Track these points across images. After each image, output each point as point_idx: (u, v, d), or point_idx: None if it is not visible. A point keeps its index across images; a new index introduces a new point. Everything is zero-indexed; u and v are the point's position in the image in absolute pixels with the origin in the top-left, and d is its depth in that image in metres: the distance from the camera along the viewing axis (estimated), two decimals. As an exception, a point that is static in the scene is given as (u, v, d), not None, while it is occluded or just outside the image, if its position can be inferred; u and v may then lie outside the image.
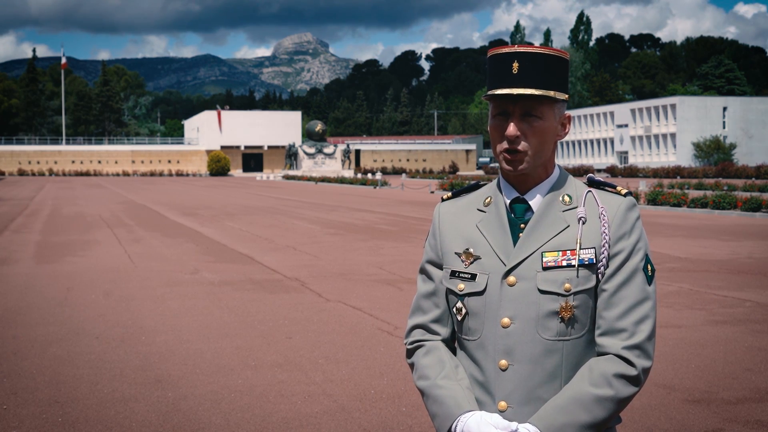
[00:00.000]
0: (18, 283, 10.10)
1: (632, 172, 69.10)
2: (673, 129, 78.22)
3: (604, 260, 1.74)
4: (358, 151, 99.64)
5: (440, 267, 1.88)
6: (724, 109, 79.51)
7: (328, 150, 78.29)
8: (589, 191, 1.81)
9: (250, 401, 5.04)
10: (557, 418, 1.66)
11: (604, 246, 1.74)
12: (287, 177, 70.43)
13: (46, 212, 25.08)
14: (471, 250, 1.81)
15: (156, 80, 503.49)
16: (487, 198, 1.86)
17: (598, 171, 79.37)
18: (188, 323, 7.50)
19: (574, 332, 1.74)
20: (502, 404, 1.73)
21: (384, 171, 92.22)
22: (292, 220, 21.06)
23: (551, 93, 1.73)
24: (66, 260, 12.53)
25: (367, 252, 13.38)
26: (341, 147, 79.90)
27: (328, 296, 8.98)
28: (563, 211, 1.78)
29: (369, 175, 62.74)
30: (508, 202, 1.81)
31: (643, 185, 35.22)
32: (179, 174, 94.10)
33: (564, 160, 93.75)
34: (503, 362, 1.74)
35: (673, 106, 78.80)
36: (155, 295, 9.16)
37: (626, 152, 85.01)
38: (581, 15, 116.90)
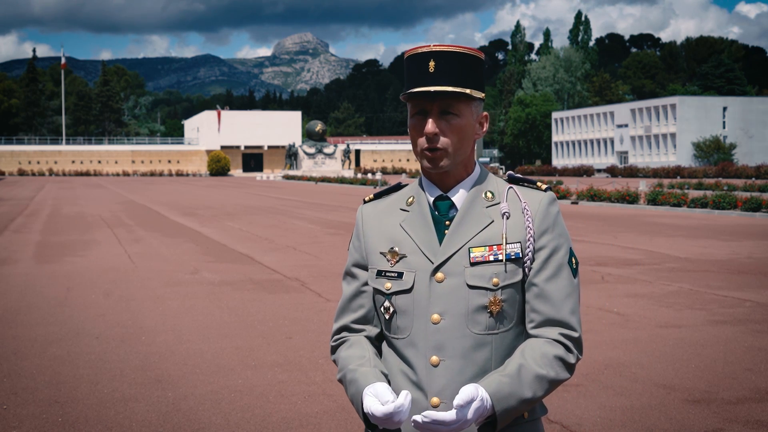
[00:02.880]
0: (18, 283, 10.10)
1: (632, 172, 69.11)
2: (673, 129, 78.21)
3: (530, 254, 1.78)
4: (358, 151, 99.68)
5: (365, 268, 1.89)
6: (724, 109, 79.49)
7: (328, 150, 78.31)
8: (511, 187, 1.85)
9: (250, 401, 5.04)
10: (503, 388, 1.67)
11: (529, 240, 1.78)
12: (287, 177, 70.45)
13: (46, 212, 25.09)
14: (396, 248, 1.82)
15: (156, 80, 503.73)
16: (409, 198, 1.88)
17: (598, 171, 79.45)
18: (188, 323, 7.50)
19: (502, 326, 1.77)
20: (435, 400, 1.74)
21: (384, 171, 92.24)
22: (292, 220, 21.07)
23: (467, 90, 1.76)
24: (66, 260, 12.53)
25: (367, 252, 13.37)
26: (341, 147, 79.92)
27: (328, 296, 8.98)
28: (487, 207, 1.81)
29: (369, 175, 62.78)
30: (431, 200, 1.83)
31: (643, 185, 35.22)
32: (179, 174, 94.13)
33: (564, 160, 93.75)
34: (434, 358, 1.75)
35: (673, 106, 78.79)
36: (155, 295, 9.16)
37: (626, 152, 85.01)
38: (579, 15, 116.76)
